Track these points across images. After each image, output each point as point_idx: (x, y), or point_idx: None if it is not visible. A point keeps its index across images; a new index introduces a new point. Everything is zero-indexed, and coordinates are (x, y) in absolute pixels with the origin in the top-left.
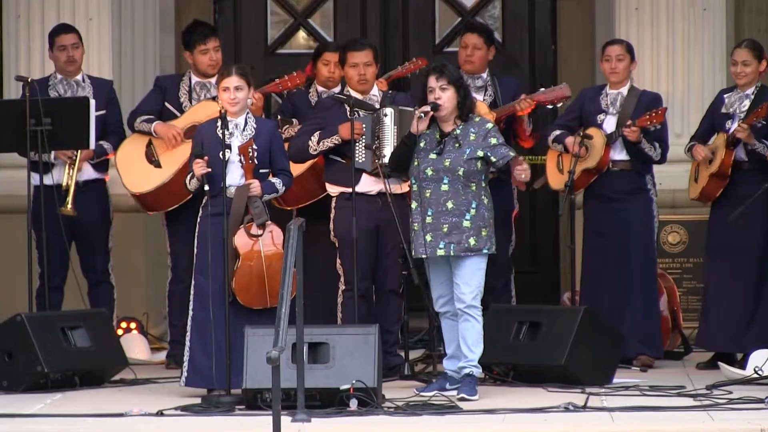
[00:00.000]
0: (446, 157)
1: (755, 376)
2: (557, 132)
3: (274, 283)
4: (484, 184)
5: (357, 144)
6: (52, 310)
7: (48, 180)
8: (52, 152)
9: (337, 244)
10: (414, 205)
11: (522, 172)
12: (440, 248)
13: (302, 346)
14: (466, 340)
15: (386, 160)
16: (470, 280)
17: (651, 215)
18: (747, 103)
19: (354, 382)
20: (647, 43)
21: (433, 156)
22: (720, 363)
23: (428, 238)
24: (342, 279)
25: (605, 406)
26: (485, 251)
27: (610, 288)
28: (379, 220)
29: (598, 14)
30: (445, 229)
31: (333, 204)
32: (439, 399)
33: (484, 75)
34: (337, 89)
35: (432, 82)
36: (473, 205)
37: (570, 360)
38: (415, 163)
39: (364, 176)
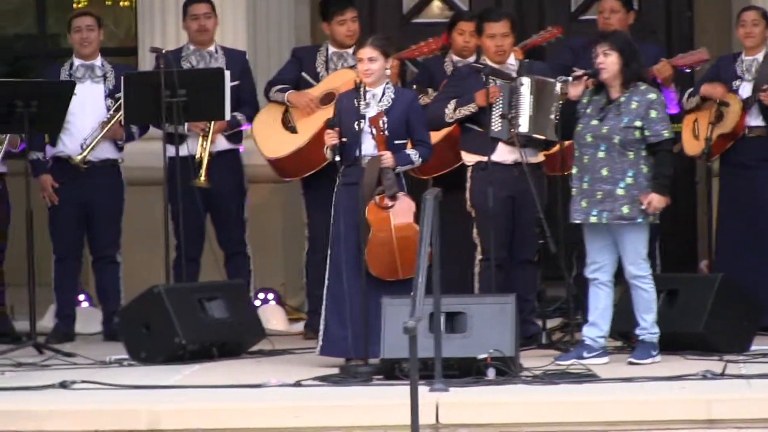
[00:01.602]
0: (605, 124)
1: None
2: (689, 92)
3: (405, 254)
4: (644, 153)
5: (493, 112)
6: (189, 281)
7: (182, 151)
8: (186, 124)
9: (473, 214)
10: (574, 170)
11: (648, 207)
12: (593, 215)
13: (439, 315)
14: (637, 309)
15: (522, 129)
16: (630, 250)
17: None
18: None
19: (491, 351)
20: None
21: (594, 122)
22: None
23: (583, 204)
24: (478, 249)
25: (743, 373)
26: (640, 220)
27: (746, 256)
28: (515, 190)
29: None
30: (599, 197)
31: (468, 174)
32: (576, 368)
33: None
34: (473, 58)
35: (597, 48)
36: (629, 174)
37: (708, 327)
38: (578, 128)
39: (500, 145)
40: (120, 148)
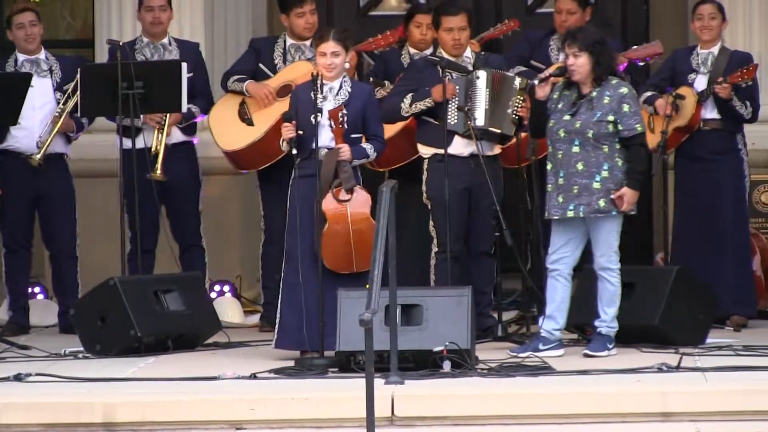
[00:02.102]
0: (578, 118)
1: None
2: (648, 93)
3: (360, 247)
4: (618, 146)
5: (449, 105)
6: (144, 273)
7: (137, 144)
8: (141, 116)
9: (429, 206)
10: (549, 166)
11: (623, 203)
12: (570, 210)
13: (395, 308)
14: (600, 301)
15: (478, 122)
16: (602, 242)
17: (742, 175)
18: None
19: (447, 343)
20: (740, 3)
21: (567, 117)
22: None
23: (560, 199)
24: (435, 241)
25: (698, 366)
26: (615, 213)
27: (702, 248)
28: (472, 182)
29: None
30: (576, 191)
31: (425, 166)
32: (532, 360)
33: None
34: (429, 51)
35: (566, 49)
36: (605, 167)
37: (664, 320)
38: (550, 124)
39: (456, 138)
40: (69, 141)
